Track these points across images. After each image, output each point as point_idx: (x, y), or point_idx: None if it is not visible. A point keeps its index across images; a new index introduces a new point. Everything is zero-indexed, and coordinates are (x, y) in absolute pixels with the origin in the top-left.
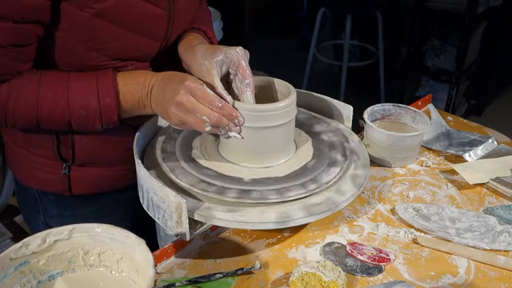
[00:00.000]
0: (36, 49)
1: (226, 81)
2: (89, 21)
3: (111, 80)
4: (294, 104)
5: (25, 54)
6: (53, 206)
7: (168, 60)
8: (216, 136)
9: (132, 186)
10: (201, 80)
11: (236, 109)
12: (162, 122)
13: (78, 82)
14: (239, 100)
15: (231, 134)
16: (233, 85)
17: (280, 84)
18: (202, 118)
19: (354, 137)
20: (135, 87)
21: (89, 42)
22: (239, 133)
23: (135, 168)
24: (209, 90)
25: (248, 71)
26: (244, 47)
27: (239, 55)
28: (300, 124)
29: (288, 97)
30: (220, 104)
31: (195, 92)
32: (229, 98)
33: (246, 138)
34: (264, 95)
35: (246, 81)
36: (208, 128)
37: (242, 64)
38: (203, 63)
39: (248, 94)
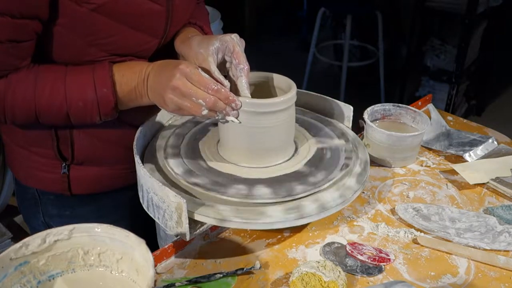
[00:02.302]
0: (35, 45)
1: (224, 71)
2: (88, 16)
3: (107, 71)
4: (293, 99)
5: (23, 50)
6: (52, 206)
7: (166, 58)
8: (216, 135)
9: (132, 186)
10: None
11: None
12: (162, 121)
13: (75, 74)
14: (236, 87)
15: (228, 118)
16: (230, 73)
17: (279, 79)
18: (198, 102)
19: (360, 146)
20: (132, 76)
21: (88, 37)
22: (236, 118)
23: (134, 168)
24: (204, 74)
25: (242, 57)
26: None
27: (234, 41)
28: (301, 125)
29: (288, 92)
30: (216, 87)
31: (190, 76)
32: (226, 82)
33: (245, 136)
34: (264, 90)
35: (240, 66)
36: (205, 112)
37: (236, 49)
38: (199, 51)
39: (243, 81)
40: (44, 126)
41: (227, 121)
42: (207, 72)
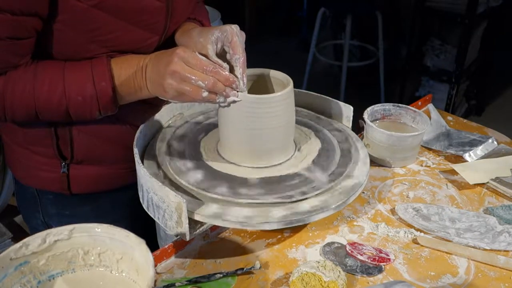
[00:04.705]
0: (35, 43)
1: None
2: (88, 12)
3: (105, 65)
4: (291, 95)
5: (23, 48)
6: (52, 205)
7: None
8: (217, 136)
9: (131, 185)
10: None
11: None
12: (162, 121)
13: (73, 69)
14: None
15: (229, 100)
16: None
17: (277, 75)
18: (197, 84)
19: (363, 150)
20: (130, 69)
21: (88, 33)
22: (237, 97)
23: (134, 167)
24: (202, 57)
25: (239, 47)
26: (244, 47)
27: (233, 31)
28: (301, 125)
29: (286, 87)
30: (215, 69)
31: (188, 59)
32: (224, 64)
33: (244, 133)
34: (262, 86)
35: (236, 56)
36: (205, 94)
37: (234, 39)
38: (199, 40)
39: (238, 71)
40: (43, 125)
41: (227, 105)
42: (205, 57)
